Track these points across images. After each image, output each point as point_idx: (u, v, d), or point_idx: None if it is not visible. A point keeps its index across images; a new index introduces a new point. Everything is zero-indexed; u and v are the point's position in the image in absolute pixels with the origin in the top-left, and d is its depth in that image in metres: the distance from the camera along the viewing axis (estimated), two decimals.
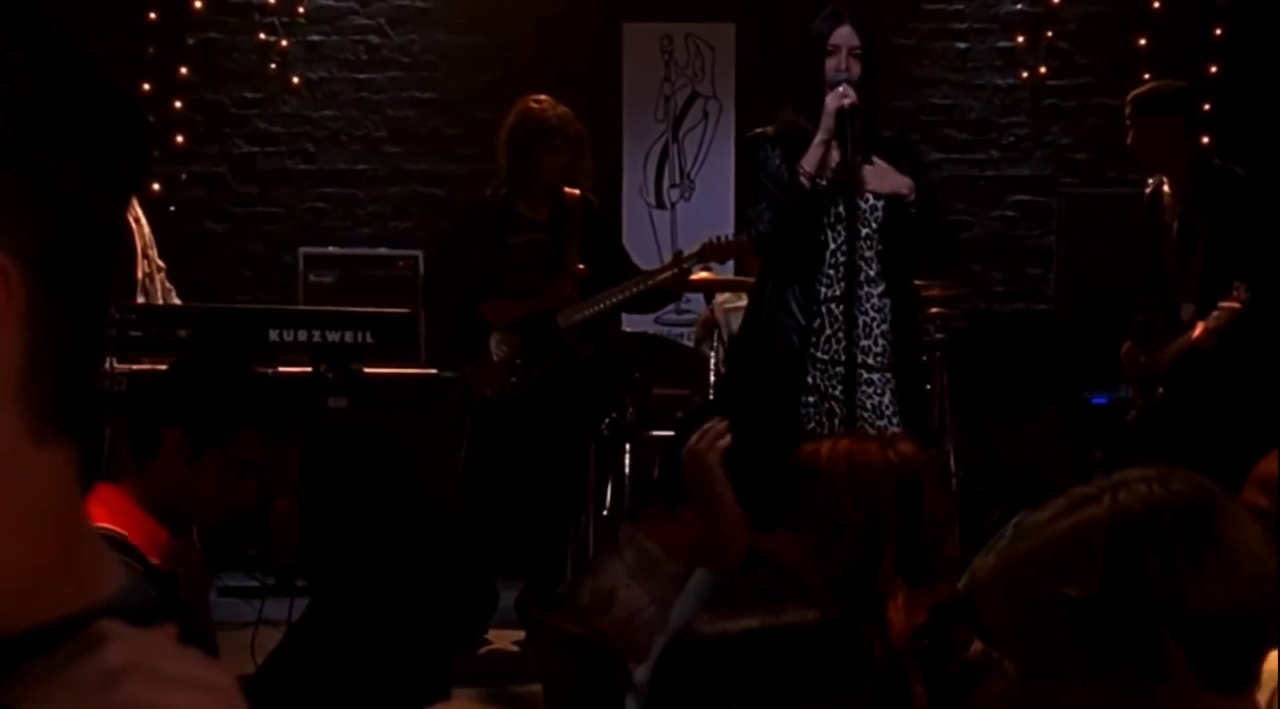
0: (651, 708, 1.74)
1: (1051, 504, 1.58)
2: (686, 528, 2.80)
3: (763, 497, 2.65)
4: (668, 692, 1.61)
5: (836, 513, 2.53)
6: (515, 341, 5.53)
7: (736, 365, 4.64)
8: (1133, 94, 5.90)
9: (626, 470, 6.04)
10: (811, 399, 4.39)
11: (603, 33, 7.90)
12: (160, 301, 5.52)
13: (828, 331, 4.41)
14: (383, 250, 7.57)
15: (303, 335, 4.50)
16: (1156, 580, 1.50)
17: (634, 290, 5.59)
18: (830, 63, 4.44)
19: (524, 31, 7.87)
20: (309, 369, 4.52)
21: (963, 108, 7.90)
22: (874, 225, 4.44)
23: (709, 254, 5.73)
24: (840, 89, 4.36)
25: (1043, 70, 7.88)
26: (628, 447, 6.00)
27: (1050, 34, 7.88)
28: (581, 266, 5.56)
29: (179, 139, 7.92)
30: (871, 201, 4.45)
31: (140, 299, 5.42)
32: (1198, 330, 5.48)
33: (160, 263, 5.65)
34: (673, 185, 7.93)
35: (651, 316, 7.74)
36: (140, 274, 5.49)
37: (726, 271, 6.97)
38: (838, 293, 4.38)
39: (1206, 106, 7.64)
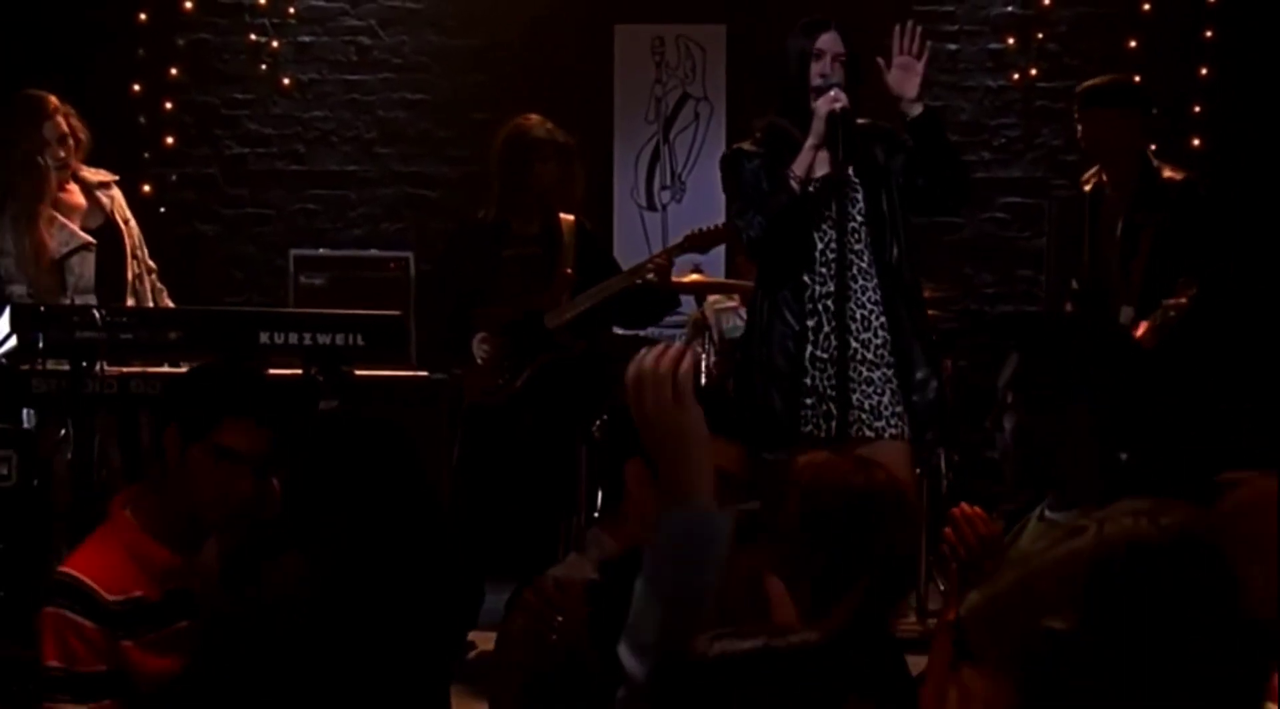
0: None
1: (1042, 535, 1.58)
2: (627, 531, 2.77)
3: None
4: None
5: (784, 528, 2.50)
6: (498, 343, 5.54)
7: (740, 381, 4.61)
8: (1083, 86, 5.85)
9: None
10: (809, 401, 4.35)
11: (594, 34, 7.90)
12: (151, 303, 5.50)
13: (825, 329, 4.36)
14: (374, 252, 7.56)
15: (293, 338, 4.47)
16: (1136, 615, 1.49)
17: (620, 286, 5.58)
18: (815, 67, 4.42)
19: (515, 33, 7.87)
20: (300, 371, 4.50)
21: (953, 109, 7.90)
22: (859, 218, 4.42)
23: (693, 243, 5.73)
24: (831, 93, 4.35)
25: (1033, 72, 7.89)
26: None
27: (1041, 36, 7.89)
28: (570, 271, 5.57)
29: (169, 140, 7.91)
30: (854, 195, 4.42)
31: (130, 301, 5.41)
32: (1140, 329, 5.43)
33: (151, 264, 5.64)
34: (664, 187, 7.93)
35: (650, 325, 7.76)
36: (130, 275, 5.48)
37: (718, 273, 6.97)
38: (831, 289, 4.34)
39: (1197, 108, 7.66)
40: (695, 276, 6.45)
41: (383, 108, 8.02)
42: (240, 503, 3.10)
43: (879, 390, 4.38)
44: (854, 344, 4.34)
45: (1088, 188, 5.87)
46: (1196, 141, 7.55)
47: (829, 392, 4.31)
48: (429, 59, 8.00)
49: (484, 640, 5.53)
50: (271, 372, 4.49)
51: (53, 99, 5.38)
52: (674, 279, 6.64)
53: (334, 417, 4.16)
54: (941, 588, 6.43)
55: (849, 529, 2.52)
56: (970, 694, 1.57)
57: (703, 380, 6.51)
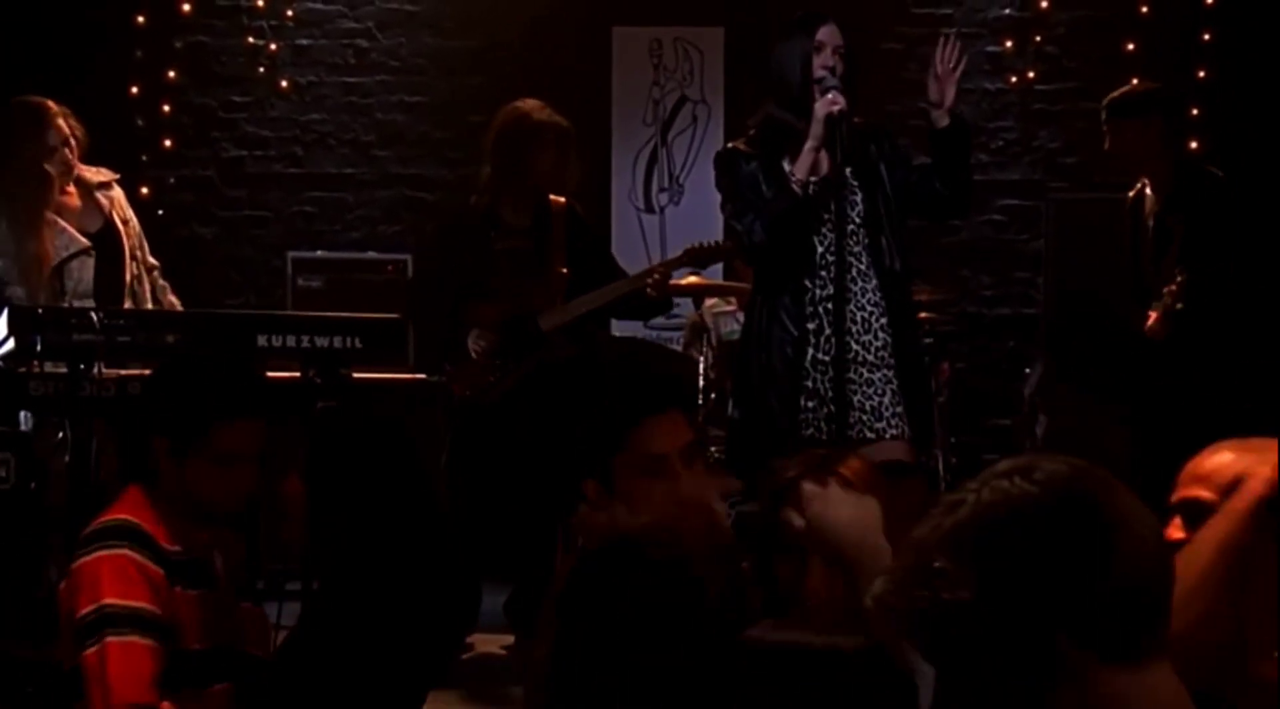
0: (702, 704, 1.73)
1: (929, 513, 1.59)
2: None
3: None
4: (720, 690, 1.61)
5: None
6: (493, 339, 5.52)
7: (738, 384, 4.60)
8: (1107, 98, 5.89)
9: None
10: (811, 404, 4.34)
11: (592, 36, 7.90)
12: (150, 304, 5.49)
13: (826, 332, 4.35)
14: (371, 254, 7.56)
15: (291, 340, 4.47)
16: (1029, 575, 1.50)
17: (617, 294, 5.57)
18: (817, 60, 4.42)
19: (513, 35, 7.87)
20: (298, 374, 4.50)
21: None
22: (857, 220, 4.41)
23: (693, 258, 5.72)
24: (830, 96, 4.34)
25: (1031, 75, 7.89)
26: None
27: (1039, 38, 7.90)
28: (565, 270, 5.55)
29: (167, 143, 7.91)
30: (851, 197, 4.42)
31: (128, 303, 5.40)
32: (1149, 320, 5.47)
33: (153, 261, 5.64)
34: (661, 189, 7.93)
35: (641, 321, 7.75)
36: (128, 277, 5.48)
37: (715, 276, 6.97)
38: (831, 292, 4.34)
39: (1195, 110, 7.66)
40: (692, 279, 6.44)
41: (380, 110, 8.02)
42: (242, 499, 3.13)
43: (879, 391, 4.37)
44: (855, 346, 4.34)
45: (1131, 194, 5.90)
46: (1194, 144, 7.55)
47: (829, 394, 4.30)
48: (427, 61, 8.00)
49: (482, 643, 5.54)
50: (270, 374, 4.51)
51: (51, 104, 5.38)
52: (673, 282, 6.66)
53: (338, 415, 4.17)
54: None
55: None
56: None
57: (700, 384, 6.51)
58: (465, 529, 5.46)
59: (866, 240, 4.42)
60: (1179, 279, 5.39)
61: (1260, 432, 2.26)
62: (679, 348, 6.98)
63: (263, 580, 5.13)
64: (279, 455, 3.24)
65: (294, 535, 3.26)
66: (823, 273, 4.37)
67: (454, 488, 5.56)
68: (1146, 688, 1.52)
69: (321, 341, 4.47)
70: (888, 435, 4.34)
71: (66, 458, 4.49)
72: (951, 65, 4.37)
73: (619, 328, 7.49)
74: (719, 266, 7.18)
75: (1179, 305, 5.38)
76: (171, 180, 7.93)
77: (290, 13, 7.96)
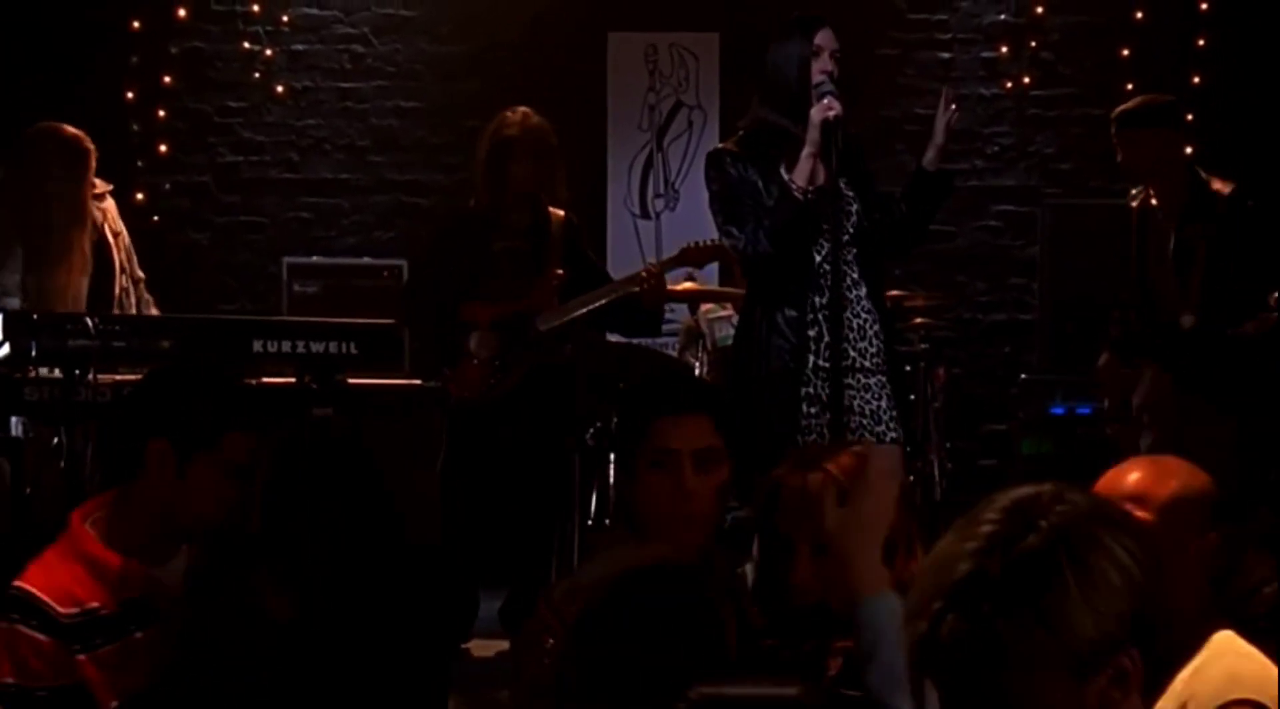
0: None
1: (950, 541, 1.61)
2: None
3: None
4: None
5: (896, 533, 2.51)
6: (495, 343, 5.52)
7: (735, 390, 4.59)
8: (1117, 110, 5.88)
9: (611, 480, 6.04)
10: (813, 410, 4.35)
11: (587, 42, 7.90)
12: (136, 314, 5.50)
13: (826, 339, 4.35)
14: (367, 260, 7.56)
15: (287, 346, 4.47)
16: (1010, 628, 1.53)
17: (615, 294, 5.56)
18: (815, 65, 4.42)
19: (509, 40, 7.87)
20: (293, 380, 4.50)
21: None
22: (850, 230, 4.43)
23: (688, 258, 5.72)
24: (825, 101, 4.34)
25: (1026, 80, 7.90)
26: (612, 456, 5.99)
27: (1034, 44, 7.90)
28: (560, 271, 5.55)
29: (162, 148, 7.90)
30: (847, 207, 4.43)
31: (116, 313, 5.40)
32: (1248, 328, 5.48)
33: (139, 274, 5.63)
34: (657, 195, 7.94)
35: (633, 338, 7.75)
36: (117, 290, 5.48)
37: (711, 281, 6.97)
38: (828, 300, 4.35)
39: (1190, 116, 7.67)
40: (688, 285, 6.44)
41: (376, 116, 8.02)
42: (226, 511, 3.08)
43: (876, 396, 4.40)
44: (852, 353, 4.36)
45: (1134, 204, 5.89)
46: (1189, 149, 7.55)
47: (830, 399, 4.33)
48: (422, 67, 8.00)
49: (480, 648, 5.53)
50: (266, 380, 4.50)
51: (82, 136, 5.41)
52: (668, 287, 6.66)
53: (298, 435, 4.13)
54: None
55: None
56: None
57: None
58: (461, 534, 5.45)
59: (856, 250, 4.44)
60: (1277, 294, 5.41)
61: None
62: (674, 353, 6.97)
63: None
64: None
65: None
66: (820, 281, 4.38)
67: (451, 492, 5.56)
68: None
69: (317, 347, 4.47)
70: (888, 438, 4.38)
71: (61, 464, 4.49)
72: (949, 121, 4.44)
73: (615, 336, 7.49)
74: (714, 271, 7.19)
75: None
76: (167, 186, 7.93)
77: (286, 18, 7.96)
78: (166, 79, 7.90)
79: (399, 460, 5.30)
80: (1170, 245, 5.69)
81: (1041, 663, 1.53)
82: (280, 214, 8.01)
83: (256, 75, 7.95)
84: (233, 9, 7.96)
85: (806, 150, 4.34)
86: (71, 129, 5.43)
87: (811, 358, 4.37)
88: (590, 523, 6.13)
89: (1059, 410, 6.76)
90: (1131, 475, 2.46)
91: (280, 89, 7.96)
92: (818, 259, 4.39)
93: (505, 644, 5.53)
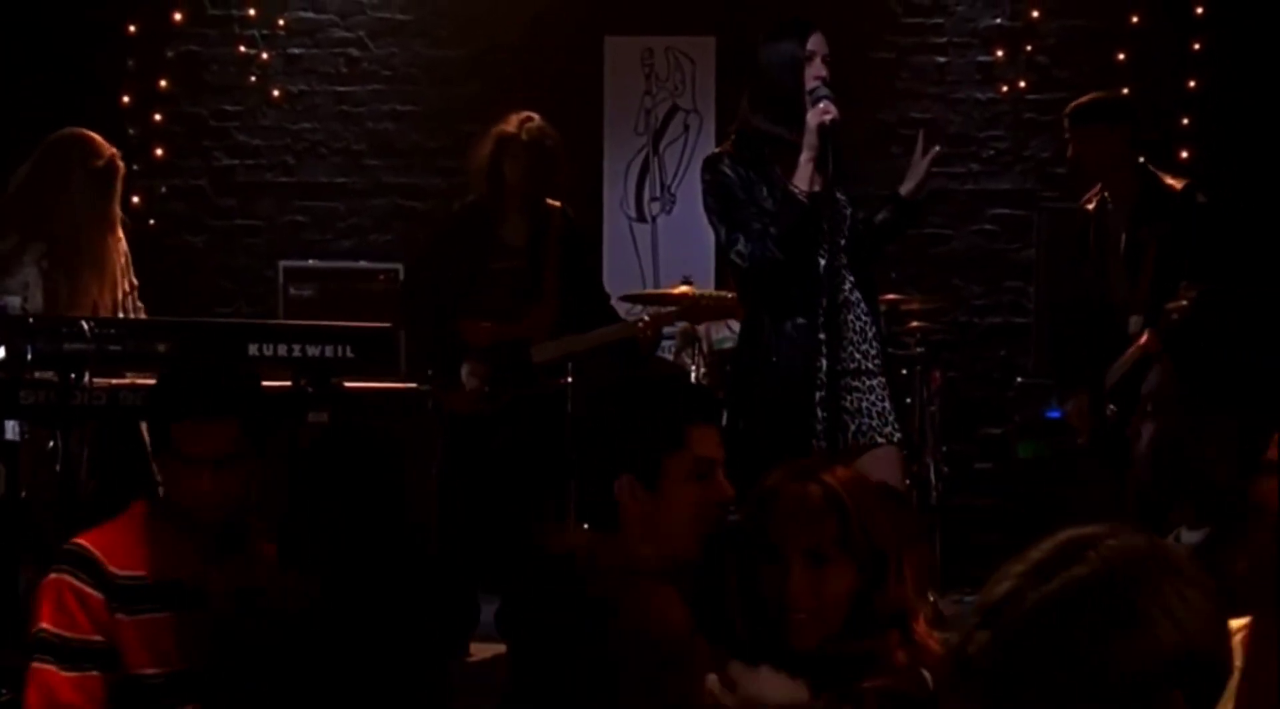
0: None
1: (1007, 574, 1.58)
2: (633, 542, 2.78)
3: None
4: None
5: (880, 543, 2.51)
6: (485, 372, 5.53)
7: (740, 397, 4.58)
8: (1070, 106, 5.90)
9: None
10: (824, 413, 4.36)
11: (583, 45, 7.90)
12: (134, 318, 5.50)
13: (830, 343, 4.38)
14: (363, 264, 7.56)
15: (283, 349, 4.46)
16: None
17: (609, 338, 5.63)
18: (809, 69, 4.42)
19: (505, 44, 7.87)
20: (289, 383, 4.50)
21: (942, 121, 7.92)
22: (846, 234, 4.44)
23: (688, 313, 5.80)
24: (821, 105, 4.34)
25: (1022, 84, 7.91)
26: None
27: (1030, 48, 7.91)
28: (558, 301, 5.60)
29: (159, 152, 7.90)
30: (843, 211, 4.44)
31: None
32: (1145, 338, 5.47)
33: (134, 281, 5.64)
34: (653, 198, 7.94)
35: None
36: (119, 295, 5.49)
37: (707, 285, 6.97)
38: (831, 304, 4.36)
39: (1185, 120, 7.68)
40: (685, 289, 6.45)
41: (372, 119, 8.02)
42: (217, 503, 3.12)
43: (880, 398, 4.42)
44: (857, 355, 4.39)
45: (1091, 206, 5.89)
46: (1185, 153, 7.57)
47: (842, 403, 4.34)
48: (419, 71, 8.00)
49: (479, 650, 5.53)
50: (262, 384, 4.50)
51: (111, 148, 5.43)
52: (664, 291, 6.67)
53: (325, 434, 4.16)
54: (930, 599, 6.43)
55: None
56: None
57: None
58: (460, 540, 5.45)
59: (852, 253, 4.45)
60: (1190, 295, 5.40)
61: None
62: (670, 357, 6.97)
63: None
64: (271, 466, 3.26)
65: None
66: (823, 285, 4.39)
67: (447, 498, 5.56)
68: None
69: (313, 351, 4.47)
70: (894, 439, 4.41)
71: (57, 467, 4.48)
72: (930, 160, 4.47)
73: None
74: (711, 276, 7.19)
75: (1175, 318, 5.39)
76: (163, 189, 7.92)
77: (282, 22, 7.96)
78: (163, 83, 7.90)
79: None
80: (1122, 245, 5.70)
81: (1072, 693, 1.50)
82: (276, 217, 8.01)
83: (253, 79, 7.94)
84: (229, 13, 7.96)
85: (805, 155, 4.34)
86: (97, 137, 5.45)
87: (824, 362, 4.37)
88: (586, 527, 6.12)
89: (1055, 414, 6.75)
90: None
91: (276, 93, 7.95)
92: (822, 264, 4.39)
93: (503, 648, 5.53)
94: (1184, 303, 5.38)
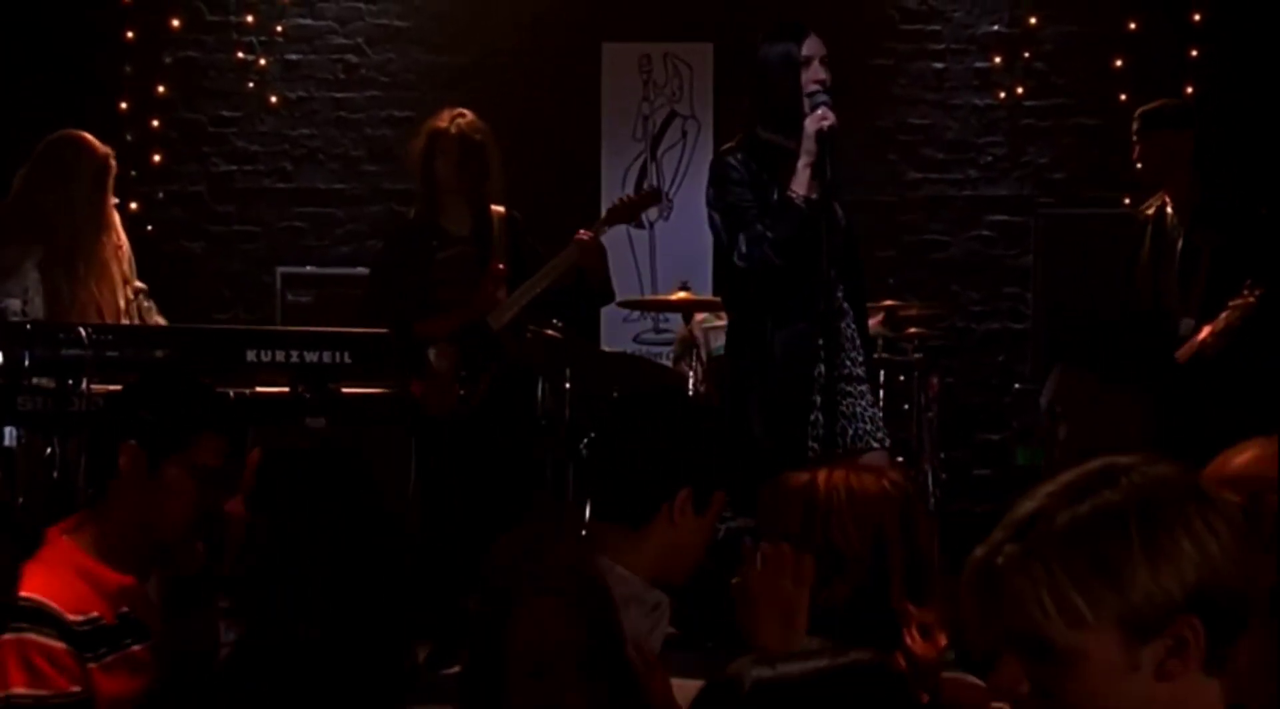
0: None
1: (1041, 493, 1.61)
2: (646, 548, 2.79)
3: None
4: None
5: (839, 544, 2.52)
6: (453, 353, 5.51)
7: (736, 402, 4.59)
8: (1142, 109, 5.93)
9: None
10: (824, 419, 4.40)
11: (581, 52, 7.91)
12: (130, 324, 5.49)
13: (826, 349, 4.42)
14: (360, 270, 7.52)
15: (280, 355, 4.45)
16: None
17: (554, 271, 5.56)
18: (806, 75, 4.42)
19: (503, 50, 7.88)
20: (286, 389, 4.49)
21: (940, 127, 7.92)
22: (839, 240, 4.46)
23: (617, 215, 5.75)
24: (819, 112, 4.35)
25: (1020, 91, 7.91)
26: None
27: (1027, 55, 7.91)
28: (501, 266, 5.55)
29: (156, 158, 7.90)
30: (841, 222, 4.46)
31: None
32: (1204, 333, 5.49)
33: (139, 284, 5.64)
34: None
35: (630, 335, 7.75)
36: (122, 303, 5.49)
37: (705, 291, 6.97)
38: (827, 311, 4.39)
39: None
40: (682, 294, 6.45)
41: (370, 125, 8.02)
42: (194, 519, 3.10)
43: (869, 404, 4.50)
44: (847, 362, 4.42)
45: (1150, 211, 5.90)
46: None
47: (839, 408, 4.39)
48: (416, 77, 8.00)
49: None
50: (258, 389, 4.49)
51: (105, 147, 5.43)
52: (662, 297, 6.66)
53: (289, 454, 4.13)
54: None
55: (902, 531, 2.57)
56: None
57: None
58: (442, 546, 5.44)
59: (845, 260, 4.48)
60: (1257, 292, 5.42)
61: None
62: (668, 362, 6.97)
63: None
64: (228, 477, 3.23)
65: (235, 562, 3.23)
66: (822, 291, 4.41)
67: (426, 505, 5.54)
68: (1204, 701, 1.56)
69: (311, 357, 4.46)
70: (885, 444, 4.49)
71: (55, 474, 4.47)
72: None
73: (609, 343, 7.50)
74: (708, 281, 7.19)
75: (1237, 316, 5.42)
76: (161, 195, 7.92)
77: (280, 28, 7.96)
78: (160, 89, 7.91)
79: (390, 469, 5.31)
80: (1178, 251, 5.72)
81: (1093, 613, 1.54)
82: (274, 223, 8.01)
83: (250, 85, 7.95)
84: (227, 19, 7.96)
85: (803, 161, 4.35)
86: (91, 137, 5.45)
87: (821, 367, 4.40)
88: (584, 533, 6.11)
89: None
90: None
91: (274, 99, 7.96)
92: (818, 269, 4.41)
93: None
94: (1251, 299, 5.41)
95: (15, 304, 5.19)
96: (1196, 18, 7.72)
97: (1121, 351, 5.88)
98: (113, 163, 5.45)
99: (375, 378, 4.69)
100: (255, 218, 8.01)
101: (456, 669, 5.34)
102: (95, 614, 2.99)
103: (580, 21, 7.90)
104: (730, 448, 2.99)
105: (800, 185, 4.36)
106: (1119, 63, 7.74)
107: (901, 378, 6.30)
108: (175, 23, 7.90)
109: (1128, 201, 5.98)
